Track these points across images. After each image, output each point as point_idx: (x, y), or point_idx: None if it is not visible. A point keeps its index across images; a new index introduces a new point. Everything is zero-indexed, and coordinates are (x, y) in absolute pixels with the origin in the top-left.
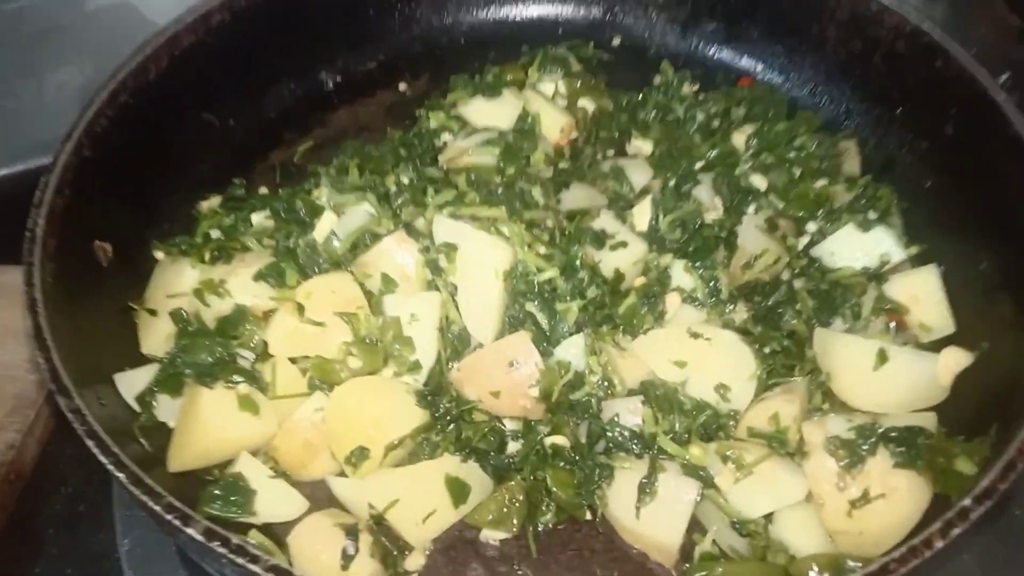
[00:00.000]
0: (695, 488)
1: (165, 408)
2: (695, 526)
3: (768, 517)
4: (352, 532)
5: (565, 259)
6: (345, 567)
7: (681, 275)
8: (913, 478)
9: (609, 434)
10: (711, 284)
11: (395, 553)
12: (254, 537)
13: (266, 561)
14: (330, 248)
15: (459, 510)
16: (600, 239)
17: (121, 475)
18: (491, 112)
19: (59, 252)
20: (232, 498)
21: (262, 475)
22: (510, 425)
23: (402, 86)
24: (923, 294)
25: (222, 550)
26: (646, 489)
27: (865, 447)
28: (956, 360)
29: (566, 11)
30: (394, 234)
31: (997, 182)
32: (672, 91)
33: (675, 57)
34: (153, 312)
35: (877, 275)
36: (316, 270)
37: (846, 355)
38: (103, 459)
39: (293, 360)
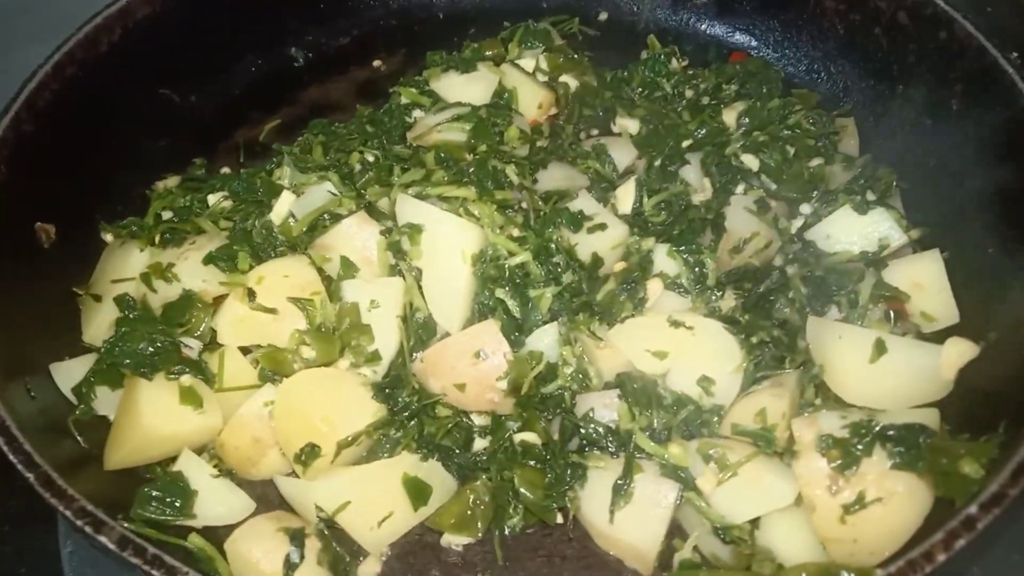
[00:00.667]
0: (674, 490)
1: (104, 400)
2: (675, 531)
3: (754, 522)
4: (297, 537)
5: (539, 242)
6: (288, 575)
7: (664, 260)
8: (913, 481)
9: (583, 431)
10: (696, 270)
11: (347, 560)
12: (193, 542)
13: (184, 573)
14: (287, 229)
15: (419, 512)
16: (577, 221)
17: (30, 475)
18: (465, 87)
19: None
20: (170, 499)
21: (204, 474)
22: (477, 420)
23: (376, 63)
24: (925, 281)
25: (135, 560)
26: (621, 491)
27: (860, 447)
28: (961, 352)
29: None
30: (355, 215)
31: (1006, 160)
32: (659, 66)
33: (665, 32)
34: (97, 298)
35: (876, 260)
36: (272, 253)
37: (841, 346)
38: (12, 458)
39: (244, 350)
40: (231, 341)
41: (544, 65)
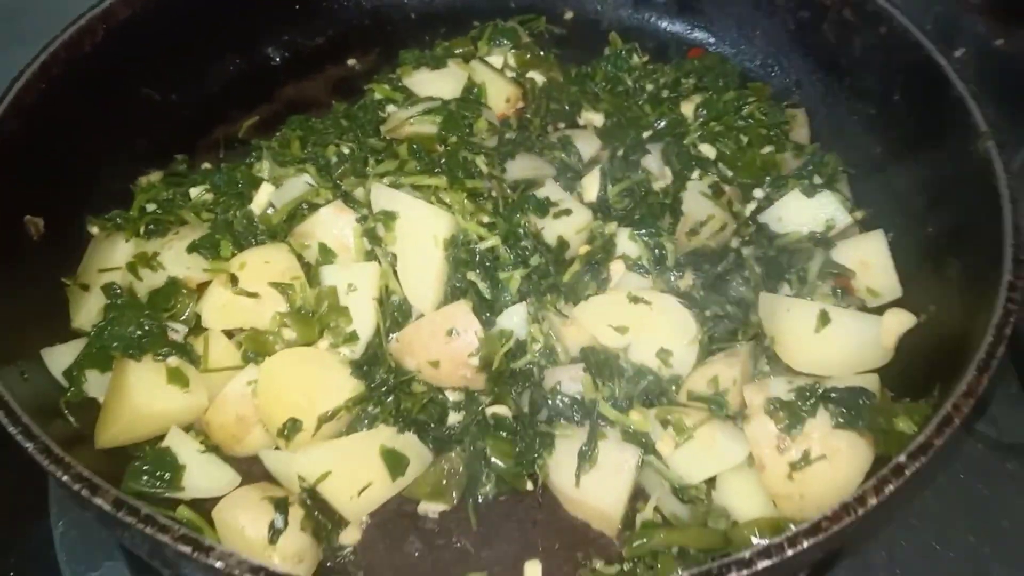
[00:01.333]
0: (636, 454)
1: (94, 383)
2: (638, 494)
3: (710, 483)
4: (281, 506)
5: (507, 227)
6: (273, 541)
7: (626, 243)
8: (854, 439)
9: (551, 402)
10: (656, 251)
11: (329, 527)
12: (182, 514)
13: (176, 530)
14: (267, 219)
15: (396, 483)
16: (544, 207)
17: (29, 445)
18: (436, 83)
19: None
20: (159, 473)
21: (192, 449)
22: (451, 396)
23: (351, 61)
24: (870, 259)
25: (129, 519)
26: (586, 456)
27: (805, 409)
28: (899, 322)
29: None
30: (332, 204)
31: (943, 146)
32: (621, 62)
33: (627, 30)
34: (85, 287)
35: (824, 241)
36: (253, 241)
37: (789, 318)
38: (11, 429)
39: (227, 333)
40: (215, 325)
41: (512, 62)
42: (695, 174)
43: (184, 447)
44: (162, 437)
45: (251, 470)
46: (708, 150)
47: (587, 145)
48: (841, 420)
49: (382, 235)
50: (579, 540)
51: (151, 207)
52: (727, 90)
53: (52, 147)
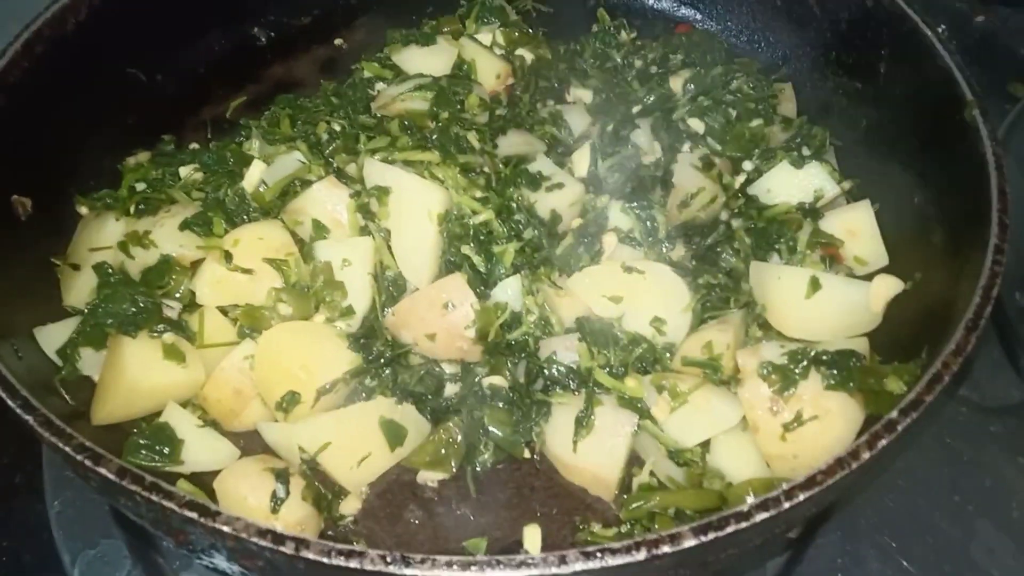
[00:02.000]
0: (631, 420)
1: (88, 361)
2: (634, 459)
3: (704, 446)
4: (283, 476)
5: (501, 201)
6: (275, 510)
7: (618, 215)
8: (845, 400)
9: (546, 372)
10: (648, 223)
11: (330, 497)
12: (182, 487)
13: (181, 497)
14: (259, 196)
15: (395, 453)
16: (536, 181)
17: (29, 417)
18: (425, 60)
19: None
20: (158, 447)
21: (189, 424)
22: (448, 368)
23: (338, 41)
24: (858, 228)
25: (134, 487)
26: (583, 423)
27: (797, 371)
28: (887, 287)
29: None
30: (325, 180)
31: (928, 115)
32: (609, 39)
33: (614, 8)
34: (76, 267)
35: (813, 211)
36: (245, 219)
37: (780, 285)
38: (11, 403)
39: (222, 310)
40: (210, 302)
41: (500, 39)
42: (685, 146)
43: (182, 422)
44: (159, 414)
45: (249, 444)
46: (697, 124)
47: (577, 120)
48: (832, 381)
49: (376, 210)
50: (577, 505)
51: (140, 187)
52: (715, 65)
53: (38, 126)
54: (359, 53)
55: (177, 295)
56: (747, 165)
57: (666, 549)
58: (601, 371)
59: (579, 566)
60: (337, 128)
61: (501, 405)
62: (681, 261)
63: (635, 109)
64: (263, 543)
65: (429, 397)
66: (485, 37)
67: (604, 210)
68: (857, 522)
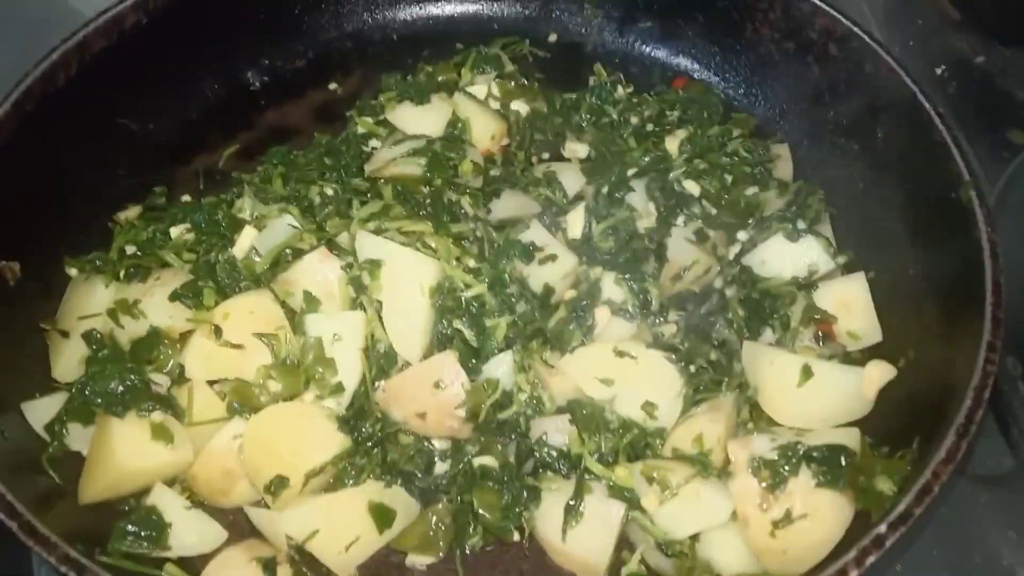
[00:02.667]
0: (621, 510)
1: (77, 436)
2: (624, 543)
3: (694, 537)
4: (270, 567)
5: (494, 274)
6: None
7: (611, 287)
8: (835, 497)
9: (537, 454)
10: (641, 296)
11: None
12: (169, 572)
13: None
14: (250, 265)
15: (384, 535)
16: (529, 253)
17: (13, 524)
18: (420, 118)
19: None
20: (145, 532)
21: (177, 506)
22: (438, 445)
23: (332, 85)
24: (851, 301)
25: None
26: (573, 511)
27: (787, 468)
28: (880, 374)
29: (501, 7)
30: (316, 250)
31: (924, 187)
32: (606, 94)
33: (612, 54)
34: (65, 334)
35: (807, 285)
36: (236, 289)
37: (772, 370)
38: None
39: (211, 383)
40: (199, 376)
41: (496, 91)
42: (680, 219)
43: (169, 504)
44: (148, 489)
45: (237, 520)
46: (692, 187)
47: (572, 181)
48: (822, 479)
49: (368, 283)
50: None
51: (130, 249)
52: (711, 124)
53: (27, 186)
54: (354, 98)
55: (166, 369)
56: (742, 235)
57: None
58: (591, 458)
59: None
60: (330, 192)
61: (491, 486)
62: (672, 340)
63: (630, 171)
64: None
65: (419, 476)
66: (480, 89)
67: (597, 281)
68: None
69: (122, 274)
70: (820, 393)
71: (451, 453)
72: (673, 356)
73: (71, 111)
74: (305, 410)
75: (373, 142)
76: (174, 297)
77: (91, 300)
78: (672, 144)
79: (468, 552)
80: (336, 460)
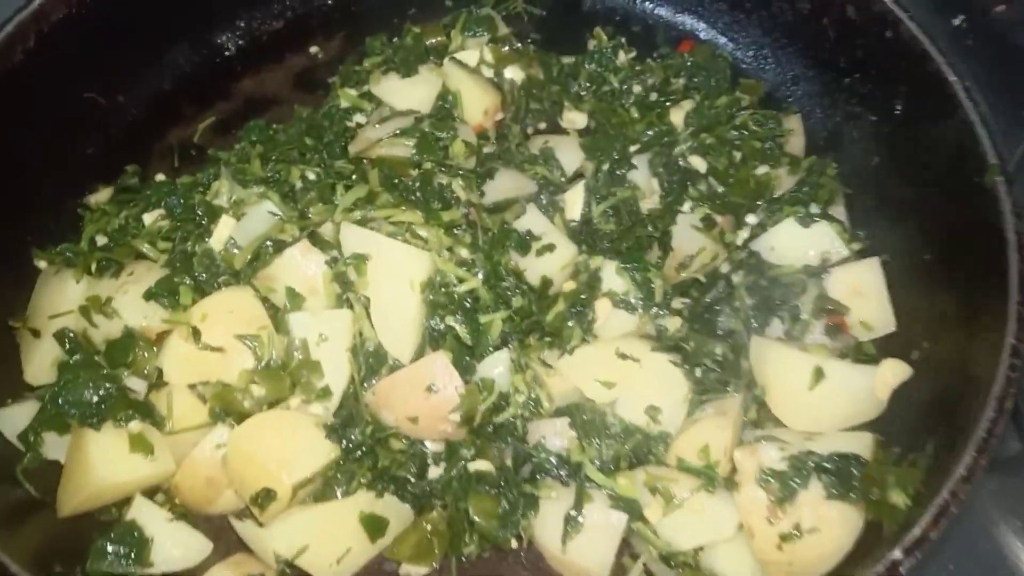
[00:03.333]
0: (622, 521)
1: (53, 445)
2: (625, 548)
3: (698, 547)
4: None
5: (488, 266)
6: None
7: (612, 278)
8: (845, 509)
9: (535, 459)
10: (644, 287)
11: None
12: None
13: None
14: (229, 258)
15: (376, 545)
16: (526, 244)
17: None
18: (407, 91)
19: None
20: (125, 550)
21: (159, 519)
22: (431, 447)
23: (313, 49)
24: (864, 288)
25: None
26: (573, 521)
27: (797, 480)
28: (895, 373)
29: None
30: (299, 244)
31: (946, 168)
32: (607, 61)
33: (612, 12)
34: (36, 333)
35: (818, 271)
36: (215, 284)
37: (782, 371)
38: None
39: (191, 386)
40: (178, 380)
41: (488, 57)
42: (686, 206)
43: (150, 518)
44: (130, 498)
45: (223, 527)
46: (698, 163)
47: (571, 157)
48: (834, 491)
49: (354, 279)
50: None
51: (102, 239)
52: (719, 93)
53: None
54: (336, 63)
55: (144, 372)
56: (751, 218)
57: None
58: (592, 467)
59: None
60: (312, 176)
61: (488, 491)
62: (677, 335)
63: (633, 148)
64: None
65: (412, 481)
66: (472, 54)
67: (597, 271)
68: None
69: (93, 267)
70: (832, 395)
71: (445, 456)
72: (678, 358)
73: (31, 87)
74: (291, 418)
75: (358, 117)
76: (149, 296)
77: (62, 296)
78: (677, 116)
79: (464, 560)
80: (325, 470)
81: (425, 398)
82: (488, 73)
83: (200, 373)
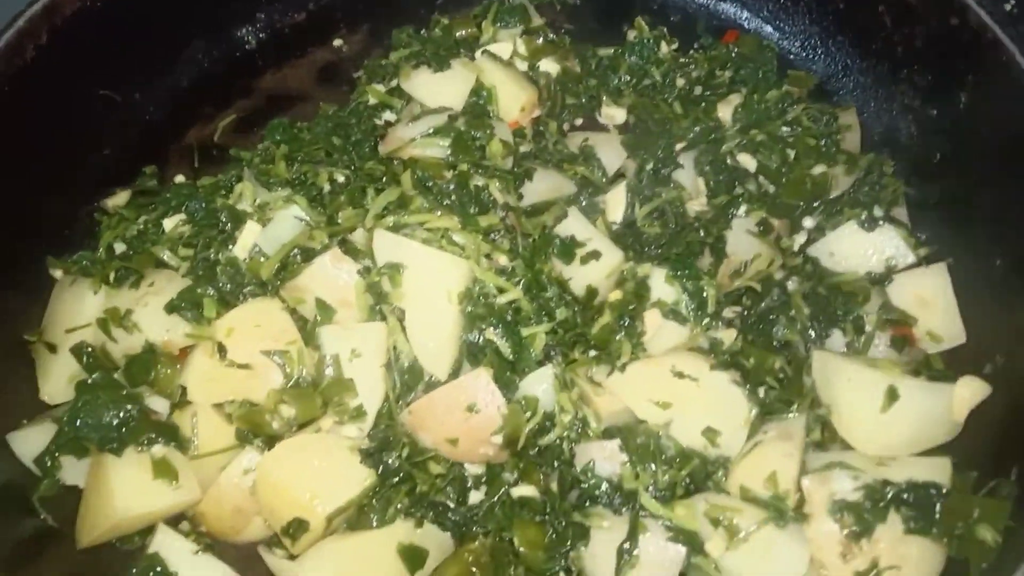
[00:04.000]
0: (681, 554)
1: (71, 470)
2: None
3: None
4: None
5: (529, 275)
6: None
7: (662, 286)
8: (927, 545)
9: (583, 485)
10: (696, 297)
11: None
12: None
13: None
14: (255, 267)
15: None
16: (570, 251)
17: None
18: (439, 87)
19: None
20: None
21: (184, 552)
22: (472, 469)
23: (337, 42)
24: (931, 297)
25: None
26: (627, 555)
27: (873, 513)
28: (973, 393)
29: None
30: (329, 252)
31: (1018, 166)
32: (648, 52)
33: (649, 2)
34: (52, 348)
35: (881, 279)
36: (240, 295)
37: (851, 390)
38: None
39: (217, 405)
40: (203, 399)
41: (522, 49)
42: (741, 210)
43: (175, 550)
44: (152, 527)
45: (251, 556)
46: (748, 161)
47: (612, 155)
48: (913, 525)
49: (388, 290)
50: None
51: (120, 247)
52: (768, 86)
53: (1, 177)
54: (361, 57)
55: (167, 391)
56: (807, 221)
57: None
58: (647, 495)
59: None
60: (340, 179)
61: (532, 518)
62: (733, 349)
63: (679, 146)
64: None
65: (452, 507)
66: (504, 47)
67: (646, 280)
68: None
69: (111, 276)
70: (906, 417)
71: (486, 480)
72: (739, 377)
73: (45, 85)
74: (324, 443)
75: (386, 114)
76: (171, 308)
77: (79, 308)
78: (724, 111)
79: None
80: (361, 498)
81: (465, 418)
82: (522, 67)
83: (226, 392)
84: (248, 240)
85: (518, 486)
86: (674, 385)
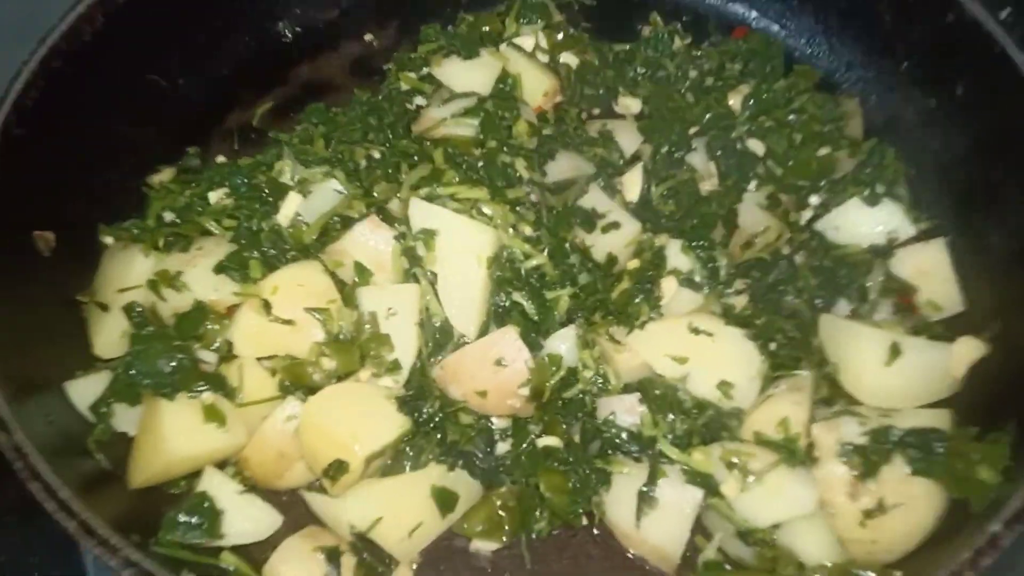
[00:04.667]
0: (698, 497)
1: (123, 417)
2: (698, 529)
3: (776, 525)
4: (334, 556)
5: (554, 242)
6: None
7: (678, 256)
8: (929, 485)
9: (605, 435)
10: (709, 265)
11: (380, 569)
12: (226, 560)
13: None
14: (298, 233)
15: (446, 520)
16: (590, 220)
17: (70, 525)
18: (467, 74)
19: None
20: (197, 521)
21: (230, 492)
22: (499, 423)
23: (368, 36)
24: (931, 269)
25: None
26: (647, 497)
27: (879, 455)
28: (970, 351)
29: None
30: (367, 219)
31: (1012, 153)
32: (662, 46)
33: (662, 3)
34: (104, 307)
35: (883, 251)
36: (283, 259)
37: (855, 348)
38: (49, 506)
39: (262, 359)
40: (248, 353)
41: (543, 43)
42: (752, 184)
43: (222, 490)
44: (199, 471)
45: (293, 501)
46: (757, 146)
47: (629, 139)
48: (917, 467)
49: (422, 254)
50: None
51: (168, 216)
52: (776, 77)
53: (58, 151)
54: (392, 51)
55: (214, 346)
56: (813, 199)
57: None
58: (666, 441)
59: None
60: (376, 155)
61: (557, 467)
62: (744, 312)
63: (692, 131)
64: None
65: (480, 456)
66: (527, 40)
67: (662, 250)
68: None
69: (161, 243)
70: (908, 372)
71: (513, 432)
72: (751, 332)
73: (98, 67)
74: (364, 391)
75: (418, 99)
76: (219, 269)
77: (129, 271)
78: (735, 100)
79: (534, 537)
80: (397, 442)
81: (494, 372)
82: (543, 59)
83: (271, 346)
84: (290, 209)
85: (543, 437)
86: (690, 341)
